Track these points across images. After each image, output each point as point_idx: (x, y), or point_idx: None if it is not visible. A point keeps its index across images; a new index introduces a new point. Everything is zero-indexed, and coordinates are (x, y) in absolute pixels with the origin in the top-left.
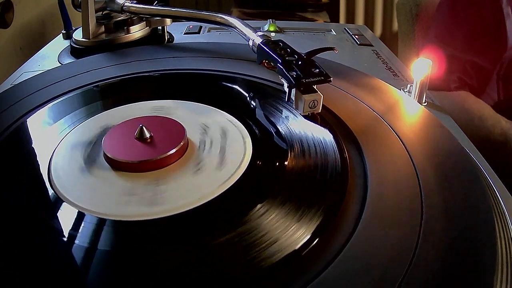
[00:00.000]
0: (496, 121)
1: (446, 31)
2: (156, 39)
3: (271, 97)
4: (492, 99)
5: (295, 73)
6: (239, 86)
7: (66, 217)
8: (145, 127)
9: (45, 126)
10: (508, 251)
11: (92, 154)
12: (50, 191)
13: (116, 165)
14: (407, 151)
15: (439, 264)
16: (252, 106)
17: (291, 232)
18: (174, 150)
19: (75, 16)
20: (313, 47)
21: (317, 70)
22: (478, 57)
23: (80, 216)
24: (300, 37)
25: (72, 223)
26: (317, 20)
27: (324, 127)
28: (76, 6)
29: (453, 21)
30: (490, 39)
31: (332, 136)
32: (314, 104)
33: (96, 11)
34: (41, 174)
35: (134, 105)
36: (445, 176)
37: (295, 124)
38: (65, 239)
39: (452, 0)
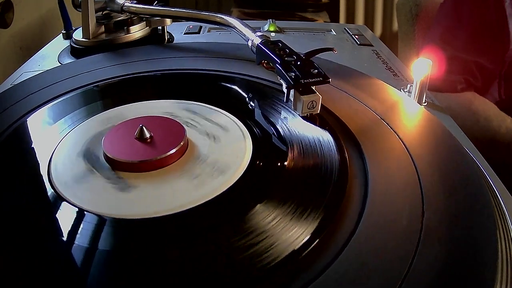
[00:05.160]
0: (501, 120)
1: (449, 32)
2: (156, 39)
3: (271, 98)
4: (494, 98)
5: (293, 74)
6: (239, 86)
7: (66, 217)
8: (145, 127)
9: (45, 126)
10: (508, 251)
11: (92, 154)
12: (50, 191)
13: (116, 165)
14: (407, 151)
15: (440, 265)
16: (251, 106)
17: (290, 233)
18: (174, 150)
19: (75, 16)
20: (313, 47)
21: (316, 70)
22: (481, 57)
23: (80, 216)
24: (300, 37)
25: (72, 223)
26: (317, 20)
27: (323, 127)
28: (76, 6)
29: (456, 22)
30: (493, 39)
31: (331, 136)
32: (313, 105)
33: (96, 11)
34: (41, 174)
35: (134, 105)
36: (446, 176)
37: (294, 125)
38: (65, 239)
39: (455, 1)
